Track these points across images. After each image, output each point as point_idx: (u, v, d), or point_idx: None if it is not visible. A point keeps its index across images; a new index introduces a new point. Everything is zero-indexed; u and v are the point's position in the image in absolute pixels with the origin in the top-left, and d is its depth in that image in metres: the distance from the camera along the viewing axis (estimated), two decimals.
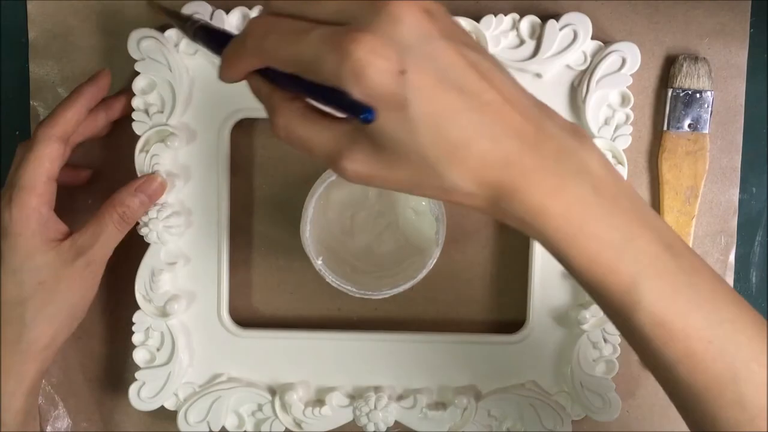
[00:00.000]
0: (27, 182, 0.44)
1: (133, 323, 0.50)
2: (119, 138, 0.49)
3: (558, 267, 0.49)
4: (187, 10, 0.47)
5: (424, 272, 0.44)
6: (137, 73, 0.48)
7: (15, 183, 0.44)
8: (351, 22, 0.31)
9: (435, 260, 0.45)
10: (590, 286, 0.34)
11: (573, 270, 0.34)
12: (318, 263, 0.45)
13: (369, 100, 0.30)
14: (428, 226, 0.46)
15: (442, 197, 0.33)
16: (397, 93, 0.30)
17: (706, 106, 0.48)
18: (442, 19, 0.32)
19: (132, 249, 0.49)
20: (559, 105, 0.48)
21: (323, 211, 0.48)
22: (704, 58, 0.48)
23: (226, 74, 0.35)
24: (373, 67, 0.30)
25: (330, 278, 0.45)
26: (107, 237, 0.46)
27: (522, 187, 0.32)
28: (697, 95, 0.48)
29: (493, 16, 0.47)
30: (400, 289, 0.45)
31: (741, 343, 0.34)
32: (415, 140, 0.31)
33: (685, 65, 0.48)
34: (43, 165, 0.44)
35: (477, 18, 0.47)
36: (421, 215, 0.48)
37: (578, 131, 0.34)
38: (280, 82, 0.34)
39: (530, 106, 0.33)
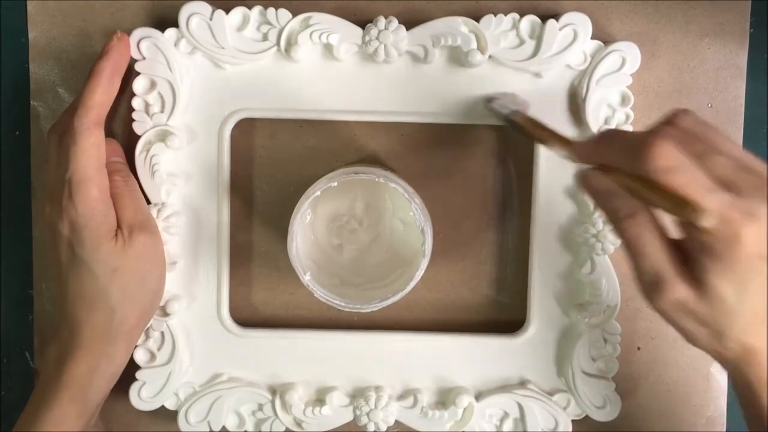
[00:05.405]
0: (83, 175, 0.44)
1: None
2: (119, 138, 0.49)
3: (557, 267, 0.49)
4: (186, 10, 0.47)
5: (413, 284, 0.44)
6: (137, 73, 0.48)
7: (69, 178, 0.44)
8: (738, 190, 0.35)
9: (423, 271, 0.45)
10: None
11: None
12: (306, 278, 0.45)
13: (727, 267, 0.35)
14: (416, 238, 0.46)
15: (709, 347, 0.38)
16: (755, 270, 0.35)
17: None
18: None
19: None
20: (559, 105, 0.48)
21: (310, 226, 0.48)
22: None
23: (586, 158, 0.39)
24: (748, 247, 0.35)
25: (318, 293, 0.45)
26: (133, 202, 0.47)
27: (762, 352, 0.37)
28: None
29: (493, 16, 0.47)
30: (389, 301, 0.45)
31: None
32: (735, 305, 0.36)
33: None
34: (93, 155, 0.44)
35: (477, 18, 0.47)
36: (409, 226, 0.48)
37: None
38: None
39: None
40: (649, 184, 0.35)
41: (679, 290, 0.36)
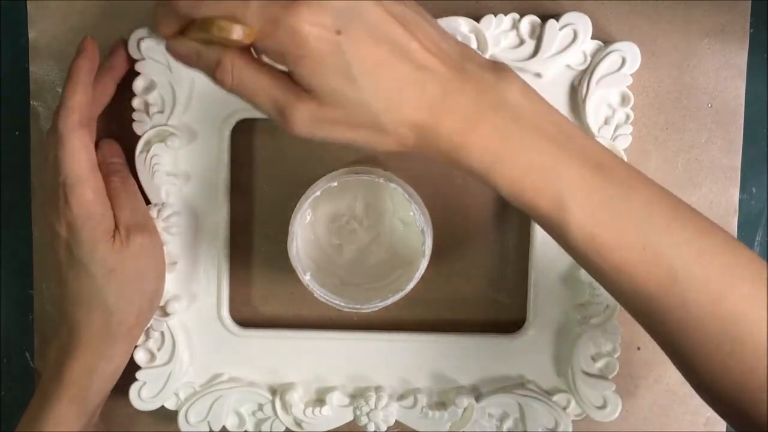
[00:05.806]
0: (76, 177, 0.44)
1: None
2: (119, 138, 0.49)
3: (558, 267, 0.49)
4: None
5: (413, 284, 0.45)
6: (137, 73, 0.48)
7: (62, 181, 0.44)
8: None
9: (422, 272, 0.45)
10: (522, 209, 0.36)
11: (503, 196, 0.36)
12: (306, 278, 0.45)
13: (312, 63, 0.33)
14: (415, 238, 0.46)
15: (378, 143, 0.36)
16: (337, 53, 0.33)
17: None
18: None
19: None
20: (559, 105, 0.48)
21: (310, 226, 0.48)
22: None
23: (162, 30, 0.36)
24: (311, 34, 0.33)
25: (318, 293, 0.45)
26: (130, 202, 0.47)
27: (445, 126, 0.35)
28: None
29: (493, 16, 0.47)
30: (389, 301, 0.45)
31: (678, 246, 0.36)
32: (356, 93, 0.34)
33: None
34: (82, 156, 0.44)
35: (477, 18, 0.47)
36: (409, 226, 0.48)
37: (499, 67, 0.36)
38: None
39: (450, 51, 0.36)
40: (203, 23, 0.34)
41: (301, 107, 0.35)
